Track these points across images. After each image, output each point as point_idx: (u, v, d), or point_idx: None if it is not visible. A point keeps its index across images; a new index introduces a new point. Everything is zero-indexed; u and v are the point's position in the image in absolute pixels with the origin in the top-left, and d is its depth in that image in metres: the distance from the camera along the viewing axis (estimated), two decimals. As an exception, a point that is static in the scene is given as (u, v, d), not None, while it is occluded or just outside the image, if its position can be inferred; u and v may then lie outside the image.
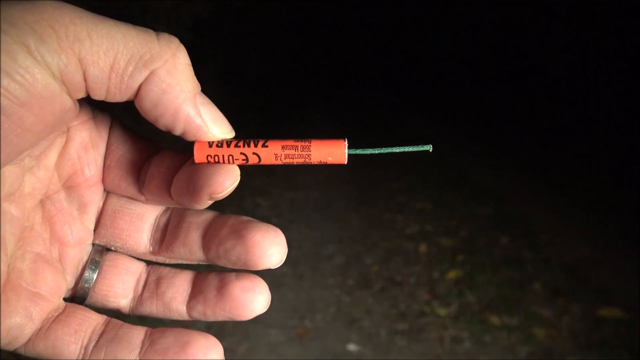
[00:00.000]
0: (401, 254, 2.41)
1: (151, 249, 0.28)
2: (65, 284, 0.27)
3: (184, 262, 0.28)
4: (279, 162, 0.26)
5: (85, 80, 0.21)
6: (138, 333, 0.27)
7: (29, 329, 0.25)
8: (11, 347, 0.25)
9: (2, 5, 0.18)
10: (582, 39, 5.08)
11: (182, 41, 0.24)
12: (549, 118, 4.73)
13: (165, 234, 0.28)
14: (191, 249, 0.27)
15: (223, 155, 0.25)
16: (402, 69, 7.45)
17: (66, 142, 0.26)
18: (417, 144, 0.26)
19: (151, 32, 0.23)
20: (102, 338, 0.27)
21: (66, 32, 0.19)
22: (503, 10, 6.05)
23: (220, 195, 0.24)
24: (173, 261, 0.28)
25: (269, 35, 6.84)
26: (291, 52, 7.50)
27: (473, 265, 2.29)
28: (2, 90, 0.18)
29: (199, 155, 0.25)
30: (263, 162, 0.26)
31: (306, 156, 0.25)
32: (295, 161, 0.25)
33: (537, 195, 3.13)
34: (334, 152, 0.26)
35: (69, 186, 0.27)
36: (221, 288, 0.27)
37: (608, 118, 4.36)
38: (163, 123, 0.24)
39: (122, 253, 0.29)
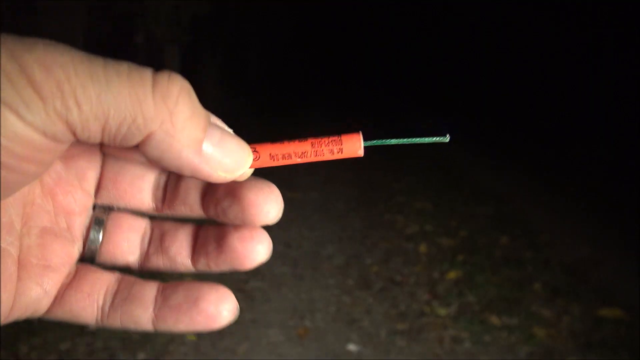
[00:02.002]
0: (401, 254, 2.41)
1: (154, 206, 0.28)
2: (75, 252, 0.28)
3: (187, 217, 0.29)
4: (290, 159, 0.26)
5: (76, 137, 0.21)
6: (150, 289, 0.27)
7: (45, 302, 0.26)
8: (32, 317, 0.26)
9: None
10: (582, 39, 5.07)
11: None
12: (549, 118, 4.73)
13: (166, 193, 0.28)
14: (192, 207, 0.28)
15: None
16: (402, 68, 7.45)
17: None
18: (433, 135, 0.26)
19: (147, 83, 0.21)
20: (116, 298, 0.27)
21: (53, 101, 0.19)
22: (503, 10, 6.05)
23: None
24: (177, 217, 0.29)
25: (269, 35, 6.84)
26: (291, 52, 7.50)
27: (473, 265, 2.29)
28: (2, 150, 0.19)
29: None
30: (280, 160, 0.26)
31: (323, 152, 0.25)
32: (312, 159, 0.25)
33: (537, 195, 3.13)
34: (348, 144, 0.26)
35: (65, 157, 0.27)
36: (220, 240, 0.27)
37: (608, 118, 4.36)
38: (169, 170, 0.24)
39: (126, 211, 0.29)
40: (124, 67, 0.21)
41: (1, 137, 0.19)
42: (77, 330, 1.81)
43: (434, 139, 0.26)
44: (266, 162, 0.25)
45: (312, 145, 0.25)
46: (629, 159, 3.55)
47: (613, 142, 3.94)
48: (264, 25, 6.59)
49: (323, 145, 0.25)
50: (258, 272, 2.22)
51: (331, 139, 0.25)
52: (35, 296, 0.25)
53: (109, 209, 0.29)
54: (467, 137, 4.30)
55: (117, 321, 0.27)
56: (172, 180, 0.28)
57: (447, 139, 0.26)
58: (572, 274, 2.22)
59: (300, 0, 7.32)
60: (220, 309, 0.27)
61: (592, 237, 2.55)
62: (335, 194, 3.10)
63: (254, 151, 0.25)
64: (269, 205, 0.27)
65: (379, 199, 3.05)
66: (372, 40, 8.21)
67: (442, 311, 1.98)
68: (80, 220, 0.28)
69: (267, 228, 0.29)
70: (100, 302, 0.27)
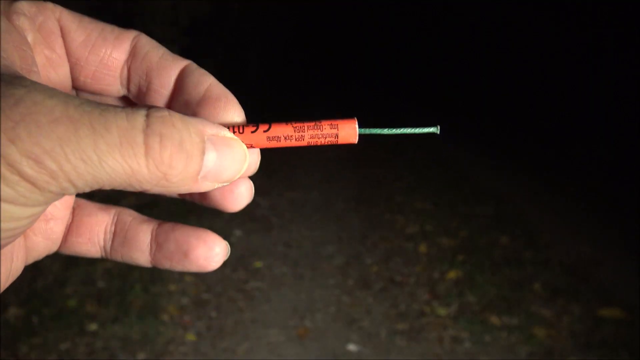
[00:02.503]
0: (401, 254, 2.41)
1: (126, 91, 0.30)
2: (72, 198, 0.29)
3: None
4: (289, 132, 0.26)
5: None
6: (144, 235, 0.29)
7: (53, 248, 0.29)
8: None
9: None
10: (582, 39, 5.07)
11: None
12: (549, 118, 4.73)
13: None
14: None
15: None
16: (402, 68, 7.45)
17: None
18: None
19: (139, 152, 0.21)
20: (114, 241, 0.29)
21: (49, 187, 0.20)
22: (503, 9, 6.05)
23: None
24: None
25: (269, 35, 6.84)
26: (291, 52, 7.50)
27: (473, 265, 2.29)
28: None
29: None
30: (274, 130, 0.26)
31: (319, 135, 0.26)
32: (308, 134, 0.26)
33: (537, 195, 3.13)
34: (344, 130, 0.26)
35: None
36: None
37: (608, 118, 4.36)
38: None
39: (90, 202, 0.30)
40: (114, 134, 0.20)
41: (1, 223, 0.20)
42: (77, 330, 1.81)
43: (425, 129, 0.27)
44: (263, 143, 0.26)
45: (308, 128, 0.26)
46: (629, 159, 3.55)
47: (613, 142, 3.94)
48: (264, 25, 6.58)
49: (319, 129, 0.26)
50: (258, 272, 2.22)
51: (328, 123, 0.26)
52: (44, 248, 0.28)
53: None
54: (467, 137, 4.30)
55: (119, 259, 0.30)
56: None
57: (437, 130, 0.27)
58: (572, 274, 2.22)
59: (301, 0, 7.32)
60: (209, 258, 0.28)
61: (592, 237, 2.55)
62: (335, 194, 3.10)
63: (254, 127, 0.26)
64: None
65: (379, 199, 3.05)
66: (372, 40, 8.21)
67: (442, 311, 1.98)
68: None
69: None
70: (102, 243, 0.29)
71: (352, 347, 1.78)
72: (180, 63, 0.27)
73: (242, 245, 2.40)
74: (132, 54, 0.27)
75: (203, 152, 0.23)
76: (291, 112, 5.17)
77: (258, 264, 2.27)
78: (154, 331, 1.83)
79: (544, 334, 1.84)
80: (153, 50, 0.27)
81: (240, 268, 2.23)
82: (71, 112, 0.20)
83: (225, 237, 0.29)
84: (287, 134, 0.25)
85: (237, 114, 0.26)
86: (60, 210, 0.29)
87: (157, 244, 0.29)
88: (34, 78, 0.23)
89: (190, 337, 1.81)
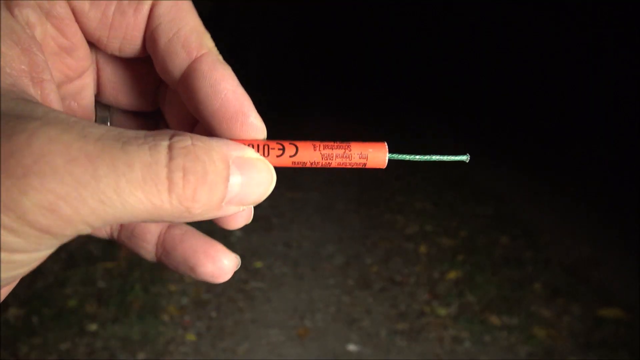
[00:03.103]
0: (401, 254, 2.41)
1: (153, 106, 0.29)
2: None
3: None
4: (317, 159, 0.25)
5: None
6: (151, 236, 0.28)
7: None
8: None
9: None
10: (582, 39, 5.08)
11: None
12: (549, 118, 4.73)
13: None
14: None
15: (259, 145, 0.24)
16: (402, 68, 7.45)
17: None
18: (451, 153, 0.27)
19: (162, 189, 0.19)
20: (121, 233, 0.29)
21: (63, 233, 0.18)
22: (503, 10, 6.05)
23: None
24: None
25: (269, 35, 6.84)
26: (291, 52, 7.51)
27: (473, 265, 2.29)
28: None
29: None
30: (300, 155, 0.25)
31: (346, 163, 0.25)
32: (335, 162, 0.25)
33: (537, 195, 3.13)
34: (374, 157, 0.25)
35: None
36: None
37: (608, 118, 4.36)
38: None
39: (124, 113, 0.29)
40: (137, 171, 0.19)
41: (11, 271, 0.19)
42: (77, 330, 1.81)
43: (455, 157, 0.27)
44: (287, 164, 0.25)
45: (336, 157, 0.25)
46: (629, 159, 3.55)
47: (613, 142, 3.94)
48: (264, 25, 6.58)
49: (347, 158, 0.25)
50: (258, 272, 2.22)
51: (358, 150, 0.25)
52: None
53: (109, 108, 0.29)
54: (467, 137, 4.30)
55: (126, 246, 0.29)
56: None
57: (467, 158, 0.27)
58: (572, 274, 2.22)
59: (301, 0, 7.32)
60: (217, 275, 0.28)
61: (592, 237, 2.55)
62: (335, 194, 3.10)
63: (281, 150, 0.24)
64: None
65: (379, 199, 3.05)
66: (371, 40, 8.21)
67: (442, 311, 1.98)
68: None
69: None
70: (109, 231, 0.29)
71: (352, 347, 1.78)
72: (193, 51, 0.24)
73: (242, 245, 2.40)
74: (149, 27, 0.25)
75: (227, 179, 0.21)
76: (291, 112, 5.17)
77: (258, 264, 2.27)
78: (154, 331, 1.83)
79: (544, 334, 1.84)
80: (166, 25, 0.24)
81: (240, 268, 2.22)
82: (90, 148, 0.18)
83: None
84: (314, 160, 0.24)
85: (257, 132, 0.24)
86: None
87: (164, 249, 0.28)
88: (47, 89, 0.21)
89: (190, 337, 1.81)
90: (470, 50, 6.68)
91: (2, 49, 0.20)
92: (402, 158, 0.26)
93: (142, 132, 0.20)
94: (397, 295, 2.08)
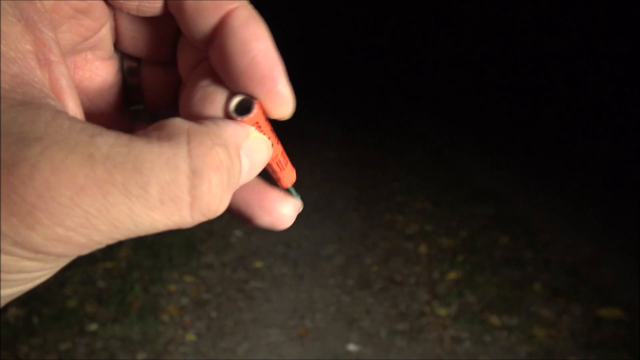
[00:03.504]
0: (401, 254, 2.41)
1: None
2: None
3: None
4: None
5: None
6: None
7: None
8: None
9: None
10: (582, 39, 5.08)
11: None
12: (549, 118, 4.74)
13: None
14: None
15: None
16: (402, 68, 7.45)
17: None
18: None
19: (184, 206, 0.18)
20: None
21: (81, 251, 0.18)
22: (503, 10, 6.05)
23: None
24: None
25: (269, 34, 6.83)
26: (291, 52, 7.51)
27: (473, 265, 2.29)
28: None
29: None
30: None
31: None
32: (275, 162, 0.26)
33: (537, 195, 3.13)
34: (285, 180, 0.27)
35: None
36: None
37: (608, 118, 4.36)
38: None
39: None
40: (154, 194, 0.17)
41: (25, 285, 0.18)
42: (77, 330, 1.81)
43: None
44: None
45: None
46: (629, 159, 3.55)
47: (613, 142, 3.95)
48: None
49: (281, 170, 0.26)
50: (258, 272, 2.22)
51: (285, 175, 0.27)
52: None
53: (137, 60, 0.26)
54: (467, 137, 4.30)
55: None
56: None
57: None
58: (572, 274, 2.22)
59: (300, 0, 7.33)
60: (276, 224, 0.25)
61: (592, 237, 2.55)
62: (335, 194, 3.10)
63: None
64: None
65: (379, 199, 3.05)
66: (372, 40, 8.22)
67: (442, 311, 1.98)
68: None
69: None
70: None
71: (352, 347, 1.78)
72: (224, 5, 0.21)
73: (242, 245, 2.40)
74: None
75: (241, 174, 0.20)
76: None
77: (258, 264, 2.27)
78: (154, 331, 1.83)
79: (544, 334, 1.84)
80: None
81: (240, 268, 2.23)
82: (98, 172, 0.16)
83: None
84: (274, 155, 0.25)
85: (284, 104, 0.22)
86: None
87: None
88: (55, 72, 0.19)
89: (190, 337, 1.81)
90: (471, 50, 6.68)
91: (3, 27, 0.18)
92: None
93: (154, 136, 0.18)
94: (397, 295, 2.08)
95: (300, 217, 0.27)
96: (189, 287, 2.09)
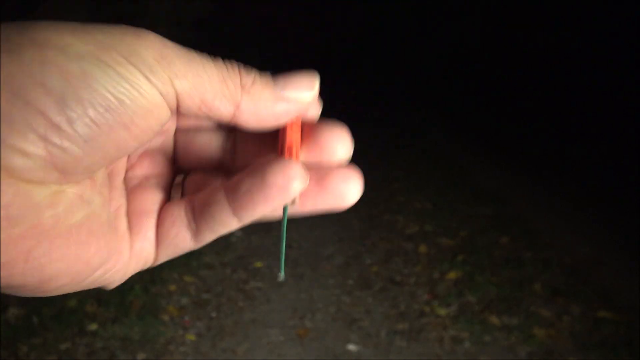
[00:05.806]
0: (401, 254, 2.41)
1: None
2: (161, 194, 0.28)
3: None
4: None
5: (178, 107, 0.23)
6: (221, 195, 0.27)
7: (153, 251, 0.26)
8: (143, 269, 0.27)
9: (111, 33, 0.21)
10: (582, 39, 5.08)
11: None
12: (549, 118, 4.74)
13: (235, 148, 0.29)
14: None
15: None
16: (402, 68, 7.45)
17: None
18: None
19: (231, 70, 0.24)
20: (196, 216, 0.26)
21: (170, 68, 0.22)
22: (503, 10, 6.05)
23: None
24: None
25: (270, 35, 6.84)
26: (291, 51, 7.51)
27: (473, 265, 2.29)
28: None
29: None
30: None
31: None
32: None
33: (537, 195, 3.13)
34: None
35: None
36: (320, 180, 0.28)
37: (608, 118, 4.36)
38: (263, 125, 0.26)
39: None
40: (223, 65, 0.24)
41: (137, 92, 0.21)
42: (77, 330, 1.81)
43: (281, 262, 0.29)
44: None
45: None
46: (629, 159, 3.55)
47: (613, 142, 3.95)
48: (265, 25, 6.59)
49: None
50: (258, 272, 2.22)
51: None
52: (148, 250, 0.25)
53: (185, 173, 0.29)
54: (467, 136, 4.30)
55: (207, 236, 0.25)
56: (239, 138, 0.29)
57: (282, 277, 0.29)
58: (572, 274, 2.22)
59: (300, 1, 7.33)
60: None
61: (592, 237, 2.55)
62: (335, 194, 3.10)
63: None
64: (340, 144, 0.29)
65: (379, 199, 3.05)
66: (372, 40, 8.22)
67: (442, 311, 1.98)
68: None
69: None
70: (186, 221, 0.25)
71: (352, 347, 1.78)
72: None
73: (242, 245, 2.40)
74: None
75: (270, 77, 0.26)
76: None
77: (258, 264, 2.27)
78: (154, 331, 1.83)
79: (544, 334, 1.84)
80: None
81: (240, 268, 2.23)
82: None
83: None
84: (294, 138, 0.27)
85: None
86: (151, 204, 0.26)
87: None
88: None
89: (190, 337, 1.81)
90: (471, 50, 6.68)
91: None
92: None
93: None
94: (397, 295, 2.08)
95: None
96: (189, 287, 2.09)
